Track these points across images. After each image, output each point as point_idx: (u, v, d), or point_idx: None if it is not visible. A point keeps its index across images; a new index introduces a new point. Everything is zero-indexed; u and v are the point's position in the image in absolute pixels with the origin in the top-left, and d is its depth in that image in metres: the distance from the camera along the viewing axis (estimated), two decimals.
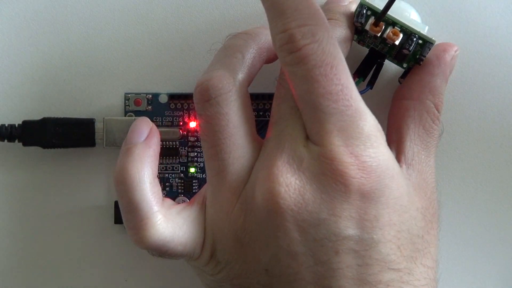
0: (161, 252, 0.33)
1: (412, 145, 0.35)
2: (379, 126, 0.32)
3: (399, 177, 0.32)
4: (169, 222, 0.33)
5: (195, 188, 0.39)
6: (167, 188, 0.39)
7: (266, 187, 0.31)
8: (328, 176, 0.31)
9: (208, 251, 0.34)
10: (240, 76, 0.33)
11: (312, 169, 0.31)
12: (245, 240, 0.32)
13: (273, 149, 0.32)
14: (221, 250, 0.33)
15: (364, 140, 0.31)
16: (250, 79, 0.34)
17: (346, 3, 0.37)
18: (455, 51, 0.37)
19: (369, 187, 0.31)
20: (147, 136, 0.35)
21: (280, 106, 0.33)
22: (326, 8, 0.37)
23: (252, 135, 0.34)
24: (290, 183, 0.31)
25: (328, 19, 0.34)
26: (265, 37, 0.35)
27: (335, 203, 0.31)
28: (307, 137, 0.32)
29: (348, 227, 0.31)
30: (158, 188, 0.34)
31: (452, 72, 0.38)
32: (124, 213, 0.34)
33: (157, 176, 0.35)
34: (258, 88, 0.38)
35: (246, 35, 0.35)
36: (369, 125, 0.32)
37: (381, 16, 0.36)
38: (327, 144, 0.31)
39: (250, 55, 0.34)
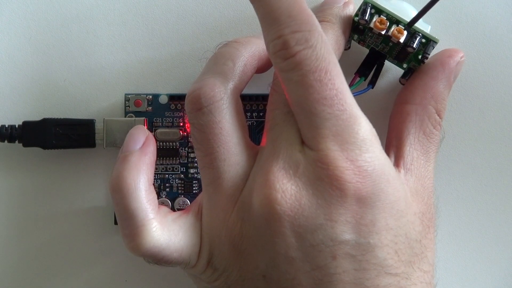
0: (157, 259, 0.33)
1: (411, 150, 0.35)
2: (373, 130, 0.32)
3: (395, 182, 0.32)
4: (164, 229, 0.33)
5: (195, 189, 0.39)
6: (167, 189, 0.39)
7: (263, 193, 0.31)
8: (324, 181, 0.31)
9: (204, 258, 0.34)
10: (232, 84, 0.33)
11: (308, 174, 0.31)
12: (242, 247, 0.32)
13: (269, 156, 0.32)
14: (218, 257, 0.33)
15: (359, 144, 0.31)
16: (241, 87, 0.34)
17: (340, 4, 0.37)
18: (461, 57, 0.37)
19: (365, 192, 0.31)
20: (143, 144, 0.35)
21: (274, 112, 0.33)
22: (319, 9, 0.37)
23: (246, 142, 0.34)
24: (286, 189, 0.31)
25: (321, 21, 0.35)
26: (256, 46, 0.35)
27: (331, 208, 0.31)
28: (302, 142, 0.32)
29: (345, 232, 0.31)
30: (153, 195, 0.34)
31: (456, 78, 0.37)
32: (120, 221, 0.34)
33: (156, 178, 0.35)
34: (256, 89, 0.38)
35: (237, 43, 0.35)
36: (364, 129, 0.32)
37: (421, 15, 0.35)
38: (323, 148, 0.31)
39: (241, 63, 0.34)
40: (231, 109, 0.33)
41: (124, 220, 0.33)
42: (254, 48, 0.35)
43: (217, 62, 0.34)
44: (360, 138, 0.31)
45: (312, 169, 0.31)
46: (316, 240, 0.31)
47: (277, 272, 0.31)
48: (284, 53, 0.31)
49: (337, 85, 0.31)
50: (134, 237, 0.33)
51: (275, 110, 0.33)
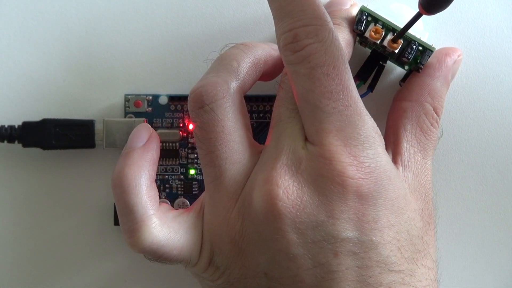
0: (156, 256, 0.33)
1: (408, 146, 0.35)
2: (377, 128, 0.32)
3: (395, 179, 0.32)
4: (164, 226, 0.33)
5: (195, 190, 0.39)
6: (167, 190, 0.39)
7: (264, 189, 0.31)
8: (326, 177, 0.31)
9: (206, 257, 0.34)
10: (235, 83, 0.33)
11: (310, 170, 0.31)
12: (243, 244, 0.32)
13: (273, 152, 0.32)
14: (220, 256, 0.33)
15: (362, 141, 0.31)
16: (245, 88, 0.34)
17: (347, 7, 0.37)
18: (458, 56, 0.37)
19: (367, 189, 0.31)
20: (147, 141, 0.35)
21: (280, 109, 0.33)
22: (327, 12, 0.37)
23: (248, 140, 0.34)
24: (288, 185, 0.31)
25: None
26: (263, 50, 0.35)
27: (332, 205, 0.31)
28: (306, 139, 0.32)
29: (347, 229, 0.31)
30: (155, 192, 0.34)
31: (454, 76, 0.38)
32: (120, 216, 0.34)
33: (156, 179, 0.35)
34: (259, 90, 0.38)
35: (244, 46, 0.35)
36: (368, 126, 0.32)
37: (401, 34, 0.35)
38: (326, 143, 0.31)
39: (246, 64, 0.34)
40: (233, 108, 0.33)
41: (124, 215, 0.33)
42: (261, 52, 0.35)
43: (222, 62, 0.34)
44: (364, 135, 0.31)
45: (314, 165, 0.31)
46: (317, 237, 0.31)
47: (278, 269, 0.31)
48: (293, 46, 0.31)
49: (344, 81, 0.31)
50: (133, 232, 0.33)
51: (281, 107, 0.33)
